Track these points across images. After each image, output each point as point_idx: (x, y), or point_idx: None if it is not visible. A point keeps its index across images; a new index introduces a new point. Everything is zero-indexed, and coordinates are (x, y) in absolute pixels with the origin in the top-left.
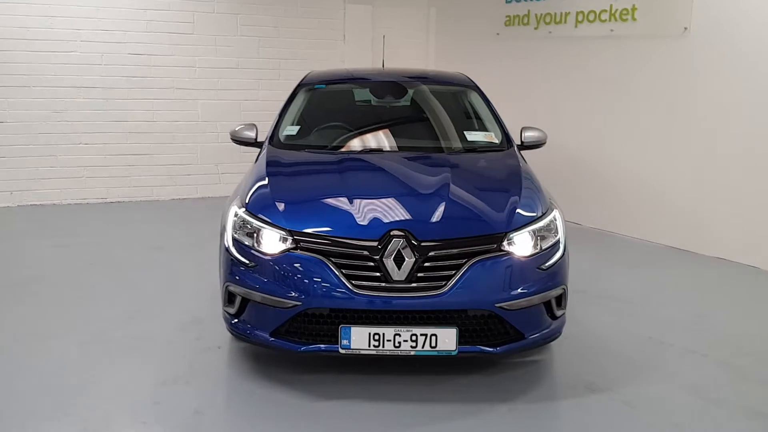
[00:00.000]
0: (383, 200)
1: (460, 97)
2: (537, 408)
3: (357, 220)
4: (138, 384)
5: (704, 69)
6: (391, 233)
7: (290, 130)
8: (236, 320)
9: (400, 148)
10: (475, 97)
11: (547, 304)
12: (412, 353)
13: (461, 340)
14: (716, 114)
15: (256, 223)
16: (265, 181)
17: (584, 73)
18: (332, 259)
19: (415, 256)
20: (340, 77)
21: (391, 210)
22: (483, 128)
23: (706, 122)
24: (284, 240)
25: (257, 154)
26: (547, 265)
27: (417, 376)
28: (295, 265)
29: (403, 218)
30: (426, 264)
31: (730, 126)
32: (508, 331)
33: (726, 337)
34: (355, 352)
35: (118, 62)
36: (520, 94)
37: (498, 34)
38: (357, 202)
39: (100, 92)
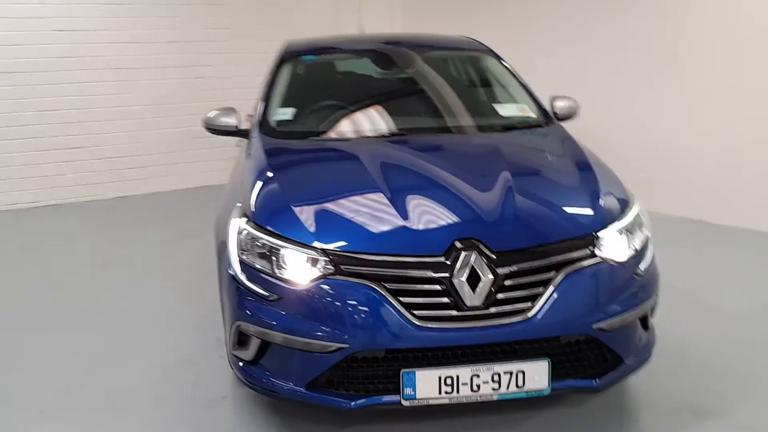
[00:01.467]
0: (434, 200)
1: (476, 65)
2: None
3: (410, 229)
4: None
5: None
6: (459, 243)
7: (283, 113)
8: (252, 369)
9: (427, 130)
10: (492, 64)
11: (643, 318)
12: (495, 397)
13: (554, 374)
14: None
15: (270, 240)
16: (273, 182)
17: (584, 30)
18: (385, 284)
19: (492, 272)
20: (329, 47)
21: (449, 213)
22: (512, 100)
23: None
24: (316, 262)
25: (246, 145)
26: (643, 269)
27: (492, 416)
28: (336, 296)
29: (468, 223)
30: (507, 282)
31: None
32: (605, 356)
33: None
34: (422, 402)
35: (41, 41)
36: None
37: None
38: (402, 205)
39: (22, 78)
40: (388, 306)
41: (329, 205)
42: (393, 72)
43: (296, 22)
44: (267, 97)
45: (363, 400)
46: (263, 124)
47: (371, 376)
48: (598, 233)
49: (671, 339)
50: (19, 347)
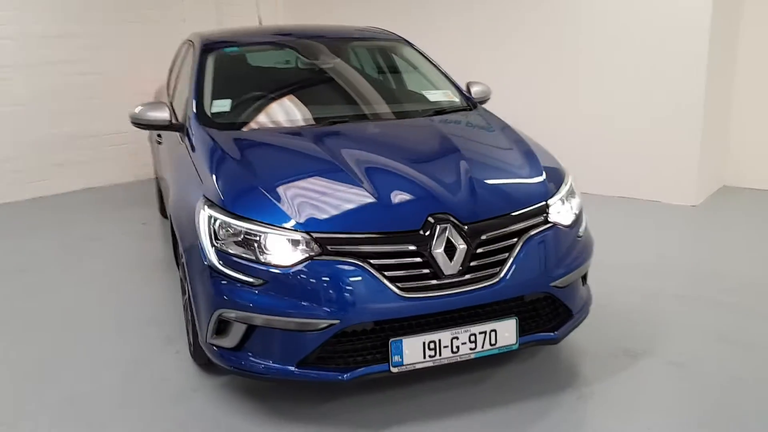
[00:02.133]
0: (401, 179)
1: (395, 53)
2: (600, 387)
3: (386, 207)
4: None
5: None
6: (431, 218)
7: (220, 105)
8: (235, 355)
9: (365, 116)
10: (410, 53)
11: (583, 276)
12: (473, 356)
13: (520, 330)
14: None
15: (249, 227)
16: (238, 169)
17: (480, 23)
18: (370, 260)
19: (465, 242)
20: (250, 39)
21: (418, 190)
22: (435, 86)
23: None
24: (301, 245)
25: (182, 139)
26: (581, 231)
27: (457, 377)
28: (325, 275)
29: (438, 198)
30: (478, 250)
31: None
32: (559, 311)
33: (706, 275)
34: (409, 368)
35: None
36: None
37: None
38: (372, 185)
39: None
40: (373, 281)
41: (301, 188)
42: (318, 62)
43: (175, 13)
44: (198, 90)
45: (355, 372)
46: (201, 116)
47: (359, 348)
48: (548, 202)
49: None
50: None
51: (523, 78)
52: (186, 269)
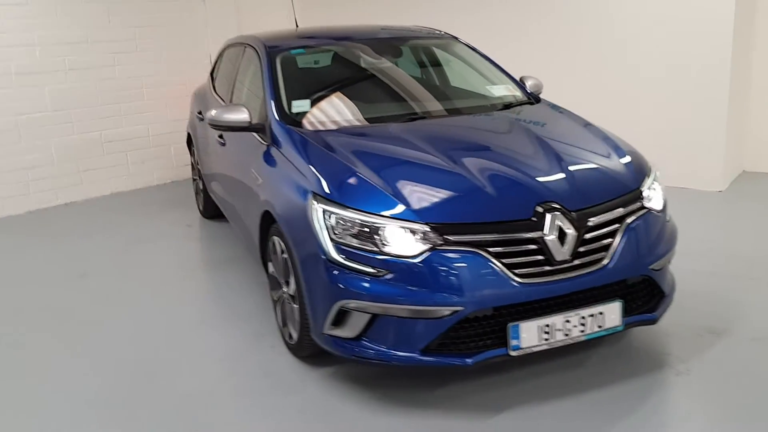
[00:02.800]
0: (504, 170)
1: (450, 51)
2: (694, 365)
3: (497, 197)
4: None
5: None
6: (540, 207)
7: (299, 105)
8: (356, 344)
9: (442, 112)
10: (462, 49)
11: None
12: (583, 338)
13: (624, 312)
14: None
15: (366, 219)
16: (341, 162)
17: (484, 21)
18: (489, 249)
19: (575, 228)
20: (310, 40)
21: (522, 180)
22: (497, 81)
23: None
24: (422, 235)
25: (264, 140)
26: (668, 215)
27: (556, 361)
28: (449, 264)
29: (544, 187)
30: (586, 236)
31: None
32: (654, 293)
33: (756, 258)
34: (526, 350)
35: None
36: None
37: None
38: (478, 176)
39: None
40: (493, 268)
41: (411, 180)
42: (382, 61)
43: (200, 19)
44: (275, 91)
45: (478, 356)
46: (283, 116)
47: (479, 333)
48: (641, 188)
49: None
50: (58, 366)
51: (548, 65)
52: (297, 264)
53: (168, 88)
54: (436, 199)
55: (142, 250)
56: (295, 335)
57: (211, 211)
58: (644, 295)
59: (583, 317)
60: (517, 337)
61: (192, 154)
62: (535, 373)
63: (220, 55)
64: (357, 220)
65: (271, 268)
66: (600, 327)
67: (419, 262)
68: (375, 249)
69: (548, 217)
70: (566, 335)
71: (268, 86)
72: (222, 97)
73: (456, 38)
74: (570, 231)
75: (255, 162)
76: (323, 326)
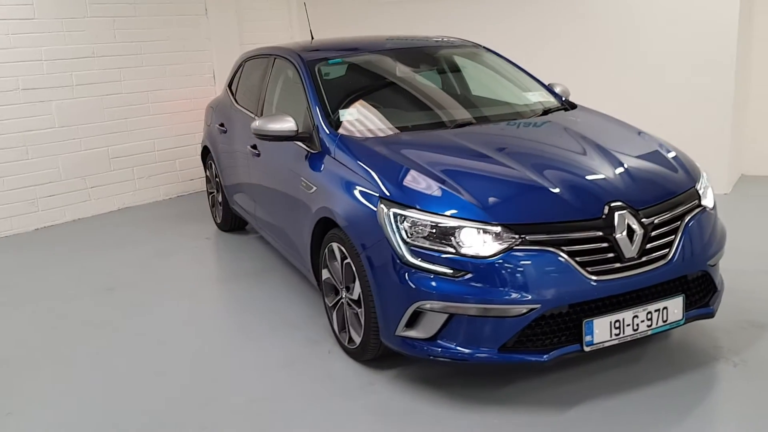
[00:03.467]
0: (568, 174)
1: (483, 60)
2: (748, 355)
3: (567, 198)
4: None
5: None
6: (607, 206)
7: (345, 114)
8: (432, 344)
9: (486, 118)
10: (492, 58)
11: None
12: (649, 332)
13: (685, 306)
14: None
15: (442, 221)
16: (406, 167)
17: (490, 29)
18: (563, 247)
19: (641, 226)
20: (344, 49)
21: (587, 181)
22: (529, 88)
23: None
24: (499, 236)
25: (312, 148)
26: (717, 212)
27: (615, 357)
28: (525, 264)
29: (609, 187)
30: (653, 233)
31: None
32: (709, 287)
33: None
34: (599, 346)
35: None
36: None
37: None
38: (544, 177)
39: None
40: (568, 267)
41: (480, 181)
42: (418, 70)
43: (202, 33)
44: (320, 101)
45: (554, 352)
46: (331, 124)
47: (554, 330)
48: (696, 186)
49: None
50: (113, 375)
51: (556, 68)
52: (365, 269)
53: (173, 102)
54: (506, 200)
55: (165, 263)
56: (357, 339)
57: (229, 223)
58: (701, 290)
59: (650, 312)
60: (591, 333)
61: (208, 167)
62: (599, 369)
63: (240, 67)
64: (430, 222)
65: (325, 274)
66: (664, 321)
67: (496, 262)
68: (452, 251)
69: (617, 215)
70: (635, 330)
71: (312, 95)
72: (248, 108)
73: (484, 47)
74: (637, 229)
75: (303, 171)
76: (396, 328)
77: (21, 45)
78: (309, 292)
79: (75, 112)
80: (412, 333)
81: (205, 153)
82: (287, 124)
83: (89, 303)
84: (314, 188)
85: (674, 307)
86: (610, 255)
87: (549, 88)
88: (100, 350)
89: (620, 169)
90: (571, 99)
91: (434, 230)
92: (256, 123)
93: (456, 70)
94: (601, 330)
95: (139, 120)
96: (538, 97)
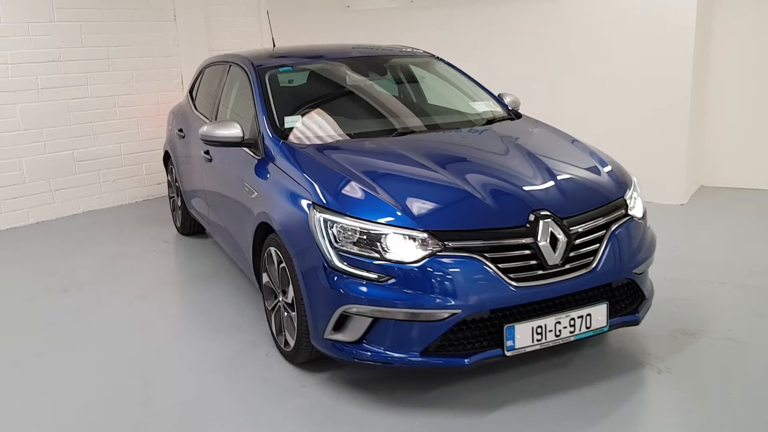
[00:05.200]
0: (498, 180)
1: (431, 69)
2: (673, 363)
3: (492, 205)
4: None
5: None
6: (532, 215)
7: (291, 121)
8: (357, 347)
9: (428, 127)
10: (443, 67)
11: None
12: (572, 338)
13: (609, 313)
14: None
15: (368, 227)
16: (340, 174)
17: (455, 38)
18: (485, 254)
19: (566, 234)
20: (295, 59)
21: (515, 189)
22: (477, 98)
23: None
24: (423, 242)
25: (256, 154)
26: (649, 222)
27: (543, 362)
28: (447, 269)
29: (533, 197)
30: (576, 241)
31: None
32: (635, 296)
33: (723, 265)
34: (520, 351)
35: None
36: None
37: (349, 6)
38: (473, 185)
39: None
40: (489, 273)
41: (409, 189)
42: (367, 78)
43: (170, 39)
44: (266, 108)
45: (475, 356)
46: (276, 131)
47: (476, 335)
48: (625, 196)
49: None
50: (50, 374)
51: (508, 78)
52: (297, 273)
53: (140, 106)
54: (433, 207)
55: (122, 266)
56: (291, 342)
57: (188, 227)
58: (627, 297)
59: (573, 318)
60: (512, 338)
61: (169, 171)
62: (524, 374)
63: (200, 74)
64: (358, 228)
65: (265, 278)
66: (588, 328)
67: (419, 268)
68: (376, 256)
69: (541, 224)
70: (557, 336)
71: (260, 102)
72: (205, 114)
73: (436, 57)
74: (561, 237)
75: (248, 176)
76: (324, 331)
77: None
78: (256, 296)
79: (40, 115)
80: (339, 336)
81: (167, 158)
82: (233, 131)
83: (41, 304)
84: (255, 193)
85: (598, 314)
86: (533, 262)
87: (498, 98)
88: (43, 349)
89: (549, 179)
90: (525, 109)
91: (362, 236)
92: (204, 129)
93: (408, 79)
94: (523, 335)
95: (106, 124)
96: (485, 107)
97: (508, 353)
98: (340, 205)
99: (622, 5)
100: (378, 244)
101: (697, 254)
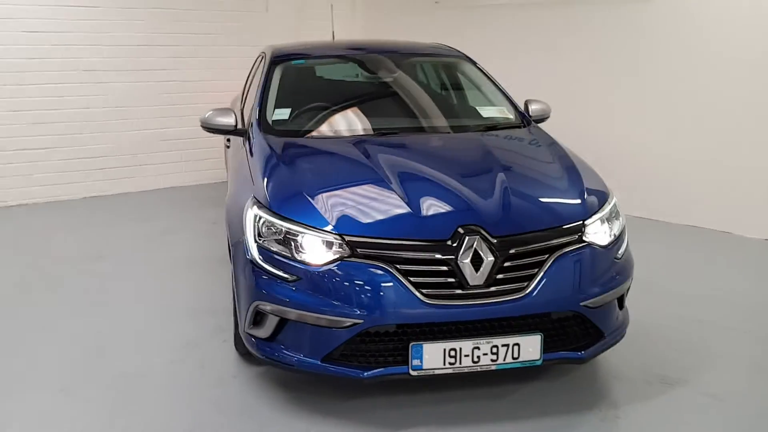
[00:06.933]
0: (437, 190)
1: (455, 70)
2: (627, 412)
3: (418, 216)
4: None
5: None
6: (461, 229)
7: (280, 113)
8: (268, 345)
9: (418, 129)
10: (470, 69)
11: (620, 298)
12: (494, 367)
13: (545, 346)
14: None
15: (289, 226)
16: (286, 173)
17: (544, 41)
18: (397, 265)
19: (494, 254)
20: (320, 51)
21: (451, 202)
22: (491, 103)
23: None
24: (333, 246)
25: (244, 144)
26: (620, 253)
27: (484, 389)
28: (353, 276)
29: (470, 210)
30: (506, 264)
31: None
32: (589, 331)
33: (763, 311)
34: (428, 372)
35: (11, 41)
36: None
37: (437, 2)
38: (408, 194)
39: None
40: (398, 285)
41: (340, 195)
42: (379, 76)
43: (260, 28)
44: (262, 99)
45: (375, 371)
46: (262, 123)
47: (382, 349)
48: (585, 222)
49: (637, 321)
50: (27, 337)
51: (593, 97)
52: (232, 263)
53: (224, 93)
54: (356, 213)
55: (163, 240)
56: (235, 331)
57: None
58: (575, 332)
59: (496, 346)
60: (420, 358)
61: None
62: (452, 398)
63: (254, 64)
64: (281, 227)
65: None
66: (515, 359)
67: (324, 271)
68: (289, 255)
69: (466, 240)
70: (474, 362)
71: (259, 93)
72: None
73: (467, 58)
74: (487, 256)
75: (234, 165)
76: (245, 325)
77: (85, 30)
78: None
79: (130, 94)
80: (254, 331)
81: None
82: (227, 119)
83: (70, 267)
84: (231, 181)
85: (529, 344)
86: (451, 280)
87: (515, 105)
88: (44, 308)
89: (498, 194)
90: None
91: (282, 235)
92: (205, 115)
93: (423, 79)
94: (433, 356)
95: (191, 107)
96: (495, 113)
97: (413, 372)
98: (271, 202)
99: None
100: (293, 243)
101: (745, 296)
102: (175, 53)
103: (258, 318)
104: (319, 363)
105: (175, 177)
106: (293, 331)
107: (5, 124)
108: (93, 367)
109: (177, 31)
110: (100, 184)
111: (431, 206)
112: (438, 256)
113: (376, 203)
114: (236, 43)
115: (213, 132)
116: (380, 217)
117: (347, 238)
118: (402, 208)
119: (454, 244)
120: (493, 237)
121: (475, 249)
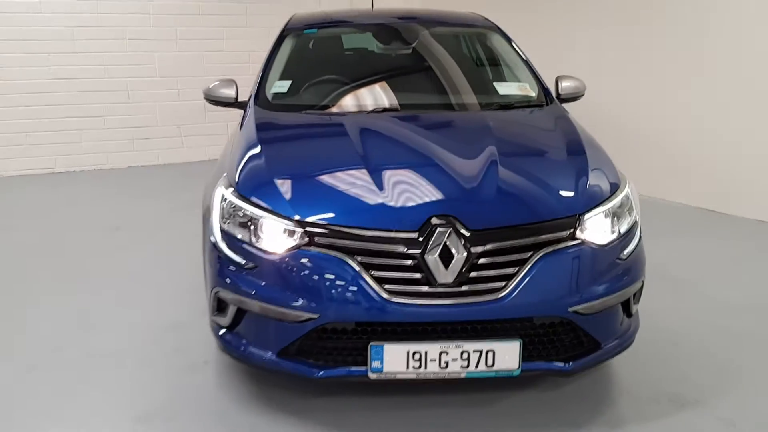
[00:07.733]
0: (415, 176)
1: (480, 42)
2: None
3: (386, 204)
4: (103, 425)
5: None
6: (433, 220)
7: (279, 86)
8: (228, 335)
9: (421, 106)
10: (498, 41)
11: (625, 303)
12: (463, 375)
13: (524, 355)
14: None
15: (251, 209)
16: (258, 154)
17: (599, 14)
18: (358, 257)
19: (466, 250)
20: (333, 20)
21: (428, 189)
22: (514, 78)
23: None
24: (292, 233)
25: (241, 117)
26: (626, 253)
27: (462, 396)
28: (309, 266)
29: (446, 200)
30: (481, 261)
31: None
32: (581, 340)
33: None
34: (389, 376)
35: (59, 9)
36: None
37: None
38: (382, 179)
39: (40, 45)
40: (358, 279)
41: (310, 179)
42: (395, 47)
43: (311, 4)
44: (265, 69)
45: (330, 371)
46: (259, 96)
47: (341, 347)
48: (582, 215)
49: (664, 328)
50: (17, 305)
51: (642, 77)
52: (202, 243)
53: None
54: (320, 199)
55: (182, 215)
56: None
57: None
58: (564, 340)
59: (466, 352)
60: (380, 359)
61: None
62: (427, 404)
63: None
64: (242, 209)
65: None
66: (489, 367)
67: (280, 260)
68: (247, 240)
69: (436, 233)
70: (442, 368)
71: (264, 64)
72: None
73: (497, 29)
74: (458, 252)
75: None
76: (210, 310)
77: None
78: None
79: (176, 64)
80: (218, 319)
81: None
82: (227, 91)
83: (88, 236)
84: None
85: (505, 352)
86: (417, 276)
87: (541, 82)
88: (53, 272)
89: (483, 182)
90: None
91: (243, 217)
92: (209, 85)
93: (441, 51)
94: (394, 358)
95: (237, 79)
96: (514, 90)
97: (372, 375)
98: (237, 182)
99: None
100: (253, 227)
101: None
102: (223, 23)
103: (222, 305)
104: (275, 357)
105: (218, 149)
106: (251, 323)
107: (53, 92)
108: (68, 344)
109: (225, 1)
110: (145, 154)
111: (406, 193)
112: (402, 249)
113: (345, 187)
114: (287, 14)
115: (215, 104)
116: (345, 203)
117: (306, 225)
118: (372, 195)
119: (421, 238)
120: (468, 230)
121: (445, 243)
